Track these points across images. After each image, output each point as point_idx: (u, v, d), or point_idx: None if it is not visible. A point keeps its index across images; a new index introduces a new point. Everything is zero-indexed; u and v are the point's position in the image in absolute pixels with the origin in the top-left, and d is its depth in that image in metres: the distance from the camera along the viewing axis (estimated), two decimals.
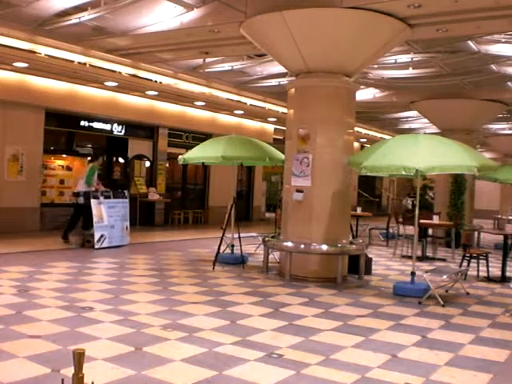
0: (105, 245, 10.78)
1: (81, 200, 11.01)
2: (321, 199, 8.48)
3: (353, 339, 5.32)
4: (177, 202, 17.59)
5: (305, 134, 8.49)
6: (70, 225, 11.34)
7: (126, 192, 11.83)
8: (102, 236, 10.75)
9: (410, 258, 10.43)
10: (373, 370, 4.45)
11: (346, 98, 8.75)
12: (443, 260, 11.59)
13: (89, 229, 10.97)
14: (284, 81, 12.88)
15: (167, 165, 17.10)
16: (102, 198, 10.93)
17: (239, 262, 9.42)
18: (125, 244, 11.33)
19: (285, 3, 7.67)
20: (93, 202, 10.73)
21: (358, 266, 8.76)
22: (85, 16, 8.88)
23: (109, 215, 10.97)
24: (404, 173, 7.20)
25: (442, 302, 7.04)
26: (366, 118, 19.09)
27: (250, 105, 16.38)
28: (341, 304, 6.89)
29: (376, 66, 11.76)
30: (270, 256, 9.40)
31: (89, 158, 12.33)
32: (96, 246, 10.59)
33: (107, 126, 15.08)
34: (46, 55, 10.71)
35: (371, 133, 22.67)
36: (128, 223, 11.59)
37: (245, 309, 6.36)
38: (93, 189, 11.13)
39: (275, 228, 12.12)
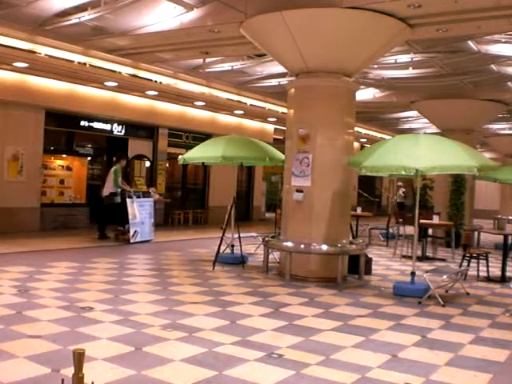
0: (138, 239, 11.86)
1: (118, 199, 12.00)
2: (321, 199, 8.48)
3: (353, 339, 5.32)
4: (177, 202, 17.57)
5: (305, 134, 8.49)
6: (104, 222, 12.23)
7: (151, 191, 13.23)
8: (135, 232, 11.87)
9: (410, 258, 10.42)
10: (373, 370, 4.45)
11: (346, 98, 8.75)
12: (443, 260, 11.59)
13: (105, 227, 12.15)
14: (284, 81, 12.88)
15: (167, 165, 17.10)
16: (134, 197, 12.07)
17: (239, 262, 9.42)
18: (152, 239, 12.34)
19: (285, 3, 7.67)
20: (128, 201, 11.84)
21: (358, 266, 8.76)
22: (85, 16, 8.88)
23: (140, 213, 12.07)
24: (404, 173, 7.20)
25: (442, 302, 7.04)
26: (366, 118, 19.09)
27: (250, 105, 16.38)
28: (341, 304, 6.89)
29: (376, 66, 11.76)
30: (270, 256, 9.39)
31: (114, 159, 13.33)
32: (131, 241, 11.65)
33: (107, 126, 15.07)
34: (46, 55, 10.71)
35: (371, 133, 22.66)
36: (153, 220, 12.59)
37: (245, 309, 6.36)
38: (126, 188, 12.23)
39: (275, 228, 12.12)
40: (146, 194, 12.75)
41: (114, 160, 12.84)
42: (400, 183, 20.12)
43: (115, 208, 11.98)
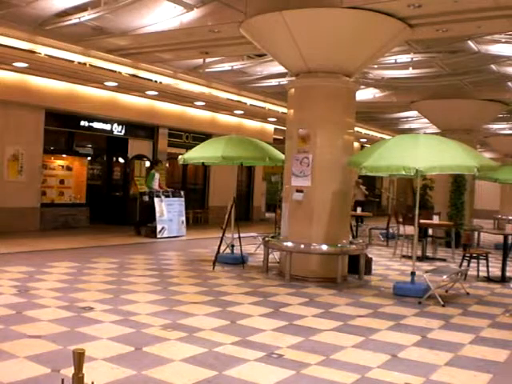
0: (165, 235, 12.90)
1: (146, 199, 13.27)
2: (321, 199, 8.47)
3: (353, 339, 5.32)
4: None
5: (305, 133, 8.49)
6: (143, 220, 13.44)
7: (182, 192, 14.11)
8: (162, 228, 12.91)
9: (410, 258, 10.42)
10: (373, 370, 4.45)
11: (346, 98, 8.75)
12: (443, 260, 11.59)
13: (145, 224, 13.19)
14: (284, 81, 12.87)
15: (167, 165, 17.09)
16: (163, 197, 13.13)
17: (239, 261, 9.42)
18: (182, 235, 13.42)
19: (285, 3, 7.67)
20: (156, 200, 12.92)
21: (358, 266, 8.76)
22: (85, 16, 8.87)
23: (168, 211, 13.12)
24: (404, 173, 7.20)
25: (442, 302, 7.04)
26: (366, 118, 19.08)
27: (250, 105, 16.37)
28: (341, 304, 6.89)
29: (376, 66, 11.76)
30: (270, 256, 9.39)
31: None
32: (158, 236, 12.69)
33: (107, 126, 15.07)
34: (46, 55, 10.70)
35: (371, 133, 22.66)
36: (184, 218, 13.73)
37: (245, 309, 6.36)
38: (157, 189, 13.34)
39: (275, 228, 12.12)
40: (177, 194, 13.69)
41: (150, 165, 14.92)
42: (360, 180, 19.27)
43: (143, 206, 13.27)
